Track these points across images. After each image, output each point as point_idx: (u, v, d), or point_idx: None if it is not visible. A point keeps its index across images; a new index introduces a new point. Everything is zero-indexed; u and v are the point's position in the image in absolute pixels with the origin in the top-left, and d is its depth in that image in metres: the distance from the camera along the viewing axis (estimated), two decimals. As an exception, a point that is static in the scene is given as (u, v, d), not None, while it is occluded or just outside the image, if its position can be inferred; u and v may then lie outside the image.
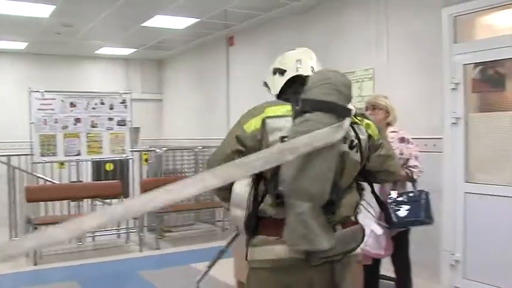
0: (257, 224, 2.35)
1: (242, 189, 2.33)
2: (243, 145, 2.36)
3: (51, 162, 7.70)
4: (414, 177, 4.31)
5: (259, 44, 8.68)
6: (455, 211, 5.40)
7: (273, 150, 2.12)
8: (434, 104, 5.58)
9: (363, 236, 2.45)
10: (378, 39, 6.28)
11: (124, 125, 8.12)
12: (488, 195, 5.13)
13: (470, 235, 5.30)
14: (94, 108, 7.88)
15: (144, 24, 8.46)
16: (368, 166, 2.49)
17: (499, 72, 5.07)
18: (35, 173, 7.75)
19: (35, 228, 6.85)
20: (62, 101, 7.64)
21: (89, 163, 8.43)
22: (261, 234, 2.36)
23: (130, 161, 8.34)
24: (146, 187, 8.19)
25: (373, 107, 4.39)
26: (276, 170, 2.21)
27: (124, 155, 8.16)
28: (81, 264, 6.84)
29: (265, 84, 2.74)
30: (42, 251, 7.20)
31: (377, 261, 4.42)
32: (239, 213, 2.34)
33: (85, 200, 8.13)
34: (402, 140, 4.31)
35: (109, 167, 8.46)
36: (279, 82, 2.57)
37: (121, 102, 8.11)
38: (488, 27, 5.30)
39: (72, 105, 7.70)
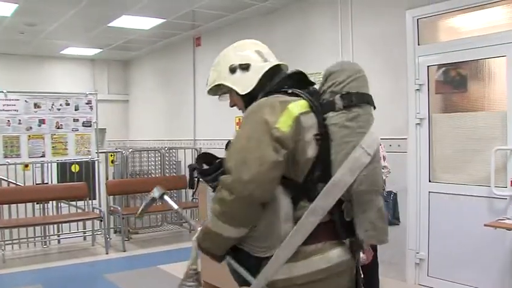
0: None
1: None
2: (286, 148, 2.00)
3: (15, 164, 7.56)
4: (384, 178, 4.37)
5: (226, 45, 8.58)
6: (420, 210, 5.50)
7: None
8: (399, 105, 5.66)
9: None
10: (344, 41, 6.34)
11: (90, 126, 8.03)
12: (451, 194, 5.23)
13: (434, 234, 5.40)
14: (58, 109, 7.78)
15: (110, 24, 8.38)
16: None
17: (461, 74, 5.17)
18: (-2, 176, 7.61)
19: (-2, 231, 6.73)
20: (26, 101, 7.52)
21: (54, 165, 8.30)
22: (303, 244, 2.07)
23: (96, 162, 8.24)
24: (112, 189, 8.14)
25: None
26: (309, 174, 2.08)
27: (90, 157, 8.07)
28: (46, 267, 6.73)
29: (213, 91, 2.53)
30: (5, 255, 7.08)
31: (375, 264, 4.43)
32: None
33: (50, 202, 8.01)
34: None
35: (75, 168, 8.36)
36: (248, 78, 2.30)
37: (87, 103, 8.02)
38: (451, 30, 5.40)
39: (36, 106, 7.59)
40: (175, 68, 10.34)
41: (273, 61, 2.40)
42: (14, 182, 7.99)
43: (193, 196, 2.43)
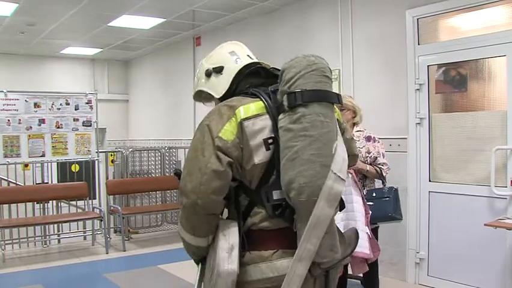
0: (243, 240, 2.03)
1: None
2: (229, 156, 1.96)
3: (15, 163, 7.56)
4: (384, 174, 4.37)
5: (226, 45, 8.65)
6: (420, 210, 5.49)
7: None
8: (399, 105, 5.66)
9: (357, 239, 2.23)
10: (344, 41, 6.34)
11: (90, 126, 8.03)
12: (451, 194, 5.23)
13: (434, 233, 5.40)
14: (58, 108, 7.78)
15: (110, 24, 8.38)
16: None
17: (461, 74, 5.17)
18: (-2, 175, 7.62)
19: (-2, 231, 6.73)
20: (26, 101, 7.52)
21: (54, 164, 8.30)
22: (253, 250, 2.04)
23: (96, 162, 8.24)
24: (112, 188, 8.14)
25: (341, 107, 4.41)
26: (263, 179, 2.01)
27: (90, 156, 8.07)
28: (46, 267, 6.73)
29: (197, 97, 2.45)
30: (5, 255, 7.08)
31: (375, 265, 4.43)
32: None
33: (50, 201, 8.01)
34: (368, 138, 4.38)
35: (75, 168, 8.36)
36: (221, 81, 2.24)
37: (87, 103, 8.02)
38: (451, 29, 5.40)
39: (36, 105, 7.59)
40: (175, 68, 10.34)
41: (246, 60, 2.29)
42: (14, 181, 7.99)
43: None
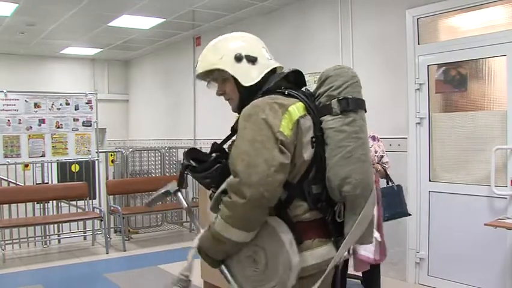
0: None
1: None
2: (289, 151, 2.03)
3: (15, 163, 7.56)
4: (388, 172, 4.39)
5: (226, 45, 8.66)
6: (420, 210, 5.49)
7: None
8: (399, 104, 5.67)
9: None
10: (344, 40, 6.34)
11: (90, 126, 8.04)
12: (451, 193, 5.24)
13: (435, 233, 5.41)
14: (58, 108, 7.78)
15: (110, 23, 8.38)
16: None
17: (461, 73, 5.17)
18: (-2, 175, 7.62)
19: (-1, 231, 6.73)
20: (26, 101, 7.52)
21: (55, 164, 8.30)
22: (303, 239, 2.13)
23: (96, 162, 8.24)
24: (112, 188, 8.14)
25: None
26: (305, 174, 2.13)
27: (90, 156, 8.07)
28: (46, 267, 6.73)
29: (203, 75, 2.41)
30: (5, 255, 7.09)
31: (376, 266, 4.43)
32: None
33: (51, 201, 8.01)
34: (373, 138, 4.38)
35: (75, 168, 8.36)
36: (252, 72, 2.26)
37: (87, 103, 8.02)
38: (451, 29, 5.40)
39: (36, 105, 7.59)
40: (175, 68, 10.34)
41: (274, 62, 2.38)
42: (14, 181, 7.99)
43: (178, 187, 2.22)
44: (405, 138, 5.60)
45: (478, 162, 5.04)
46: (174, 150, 9.46)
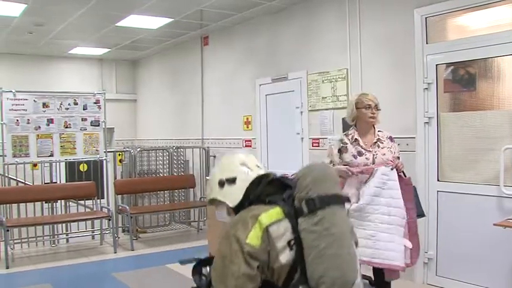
0: None
1: None
2: (258, 260, 2.17)
3: (24, 163, 7.59)
4: (404, 172, 4.32)
5: (233, 44, 8.69)
6: (428, 209, 5.46)
7: None
8: (407, 104, 5.65)
9: None
10: (352, 40, 6.33)
11: (98, 126, 8.06)
12: (460, 193, 5.21)
13: (443, 233, 5.38)
14: (67, 108, 7.80)
15: (118, 24, 8.40)
16: None
17: (470, 73, 5.14)
18: (7, 175, 7.63)
19: (7, 230, 6.75)
20: (35, 101, 7.55)
21: (63, 164, 8.33)
22: None
23: (104, 161, 8.26)
24: (120, 188, 8.16)
25: (376, 107, 4.32)
26: (289, 276, 2.21)
27: (98, 156, 8.09)
28: (55, 266, 6.76)
29: (212, 202, 2.58)
30: (14, 254, 7.12)
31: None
32: None
33: (59, 201, 8.04)
34: (391, 138, 4.34)
35: (83, 167, 8.38)
36: (235, 191, 2.44)
37: (95, 103, 8.04)
38: (460, 28, 5.38)
39: (45, 105, 7.62)
40: (183, 67, 10.36)
41: (256, 171, 2.51)
42: (23, 181, 8.02)
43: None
44: (414, 137, 5.58)
45: (486, 161, 5.01)
46: (182, 149, 9.47)
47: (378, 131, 4.31)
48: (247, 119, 8.30)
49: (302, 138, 7.10)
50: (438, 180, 5.43)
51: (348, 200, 2.40)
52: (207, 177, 5.73)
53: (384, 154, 4.20)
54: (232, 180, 2.46)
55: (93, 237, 8.31)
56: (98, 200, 8.11)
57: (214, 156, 9.15)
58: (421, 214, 4.41)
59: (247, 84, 8.29)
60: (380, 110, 4.33)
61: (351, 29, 6.34)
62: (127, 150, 9.05)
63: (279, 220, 2.21)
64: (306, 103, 7.00)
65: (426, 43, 5.49)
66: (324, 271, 2.12)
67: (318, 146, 6.76)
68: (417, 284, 5.52)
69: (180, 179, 9.09)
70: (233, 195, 2.44)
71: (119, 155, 9.22)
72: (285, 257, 2.18)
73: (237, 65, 8.53)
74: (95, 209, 8.08)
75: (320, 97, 6.77)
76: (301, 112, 7.09)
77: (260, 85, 7.97)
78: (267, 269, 2.20)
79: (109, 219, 7.79)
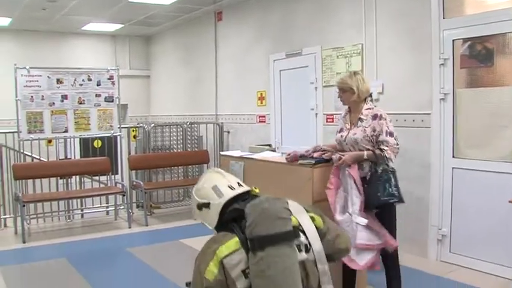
0: None
1: None
2: None
3: (39, 139, 7.63)
4: (386, 155, 4.12)
5: (247, 19, 8.62)
6: (443, 186, 5.44)
7: None
8: (423, 80, 5.58)
9: None
10: (367, 14, 6.24)
11: (112, 101, 8.06)
12: (475, 170, 5.16)
13: (457, 210, 5.35)
14: (81, 84, 7.81)
15: (131, -1, 8.37)
16: (326, 255, 2.55)
17: (487, 48, 5.06)
18: (22, 151, 7.69)
19: (23, 206, 6.82)
20: (49, 77, 7.56)
21: (77, 140, 8.37)
22: None
23: (118, 137, 8.29)
24: (135, 163, 8.20)
25: (342, 90, 4.25)
26: None
27: (112, 132, 8.10)
28: (70, 241, 6.84)
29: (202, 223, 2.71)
30: (31, 229, 7.20)
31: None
32: None
33: (74, 177, 8.10)
34: (375, 116, 4.12)
35: (97, 144, 8.41)
36: (211, 215, 2.56)
37: (109, 79, 8.04)
38: (477, 3, 5.28)
39: (59, 81, 7.63)
40: (196, 43, 10.30)
41: (227, 194, 2.55)
42: (38, 157, 8.07)
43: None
44: (429, 114, 5.52)
45: (503, 138, 4.95)
46: (196, 125, 9.47)
47: (367, 108, 4.18)
48: (261, 94, 8.27)
49: (316, 114, 7.06)
50: (453, 157, 5.38)
51: (296, 234, 2.40)
52: (221, 153, 6.10)
53: (355, 134, 4.11)
54: (206, 205, 2.57)
55: (107, 213, 8.38)
56: (113, 176, 8.16)
57: (228, 132, 9.15)
58: (393, 200, 4.25)
59: (261, 60, 8.23)
60: (347, 91, 4.18)
61: (366, 4, 6.24)
62: (140, 126, 9.07)
63: (235, 250, 2.32)
64: (321, 78, 6.95)
65: (443, 18, 5.39)
66: None
67: (332, 122, 6.72)
68: (430, 261, 5.51)
69: (194, 155, 9.10)
70: (210, 219, 2.57)
71: (133, 131, 9.24)
72: (242, 283, 2.29)
73: (251, 41, 8.47)
74: (109, 185, 8.13)
75: (334, 72, 6.71)
76: (316, 88, 7.04)
77: (274, 60, 7.91)
78: None
79: (123, 195, 7.84)
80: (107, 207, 8.35)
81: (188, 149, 9.29)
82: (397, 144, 4.07)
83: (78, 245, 6.66)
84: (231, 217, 2.48)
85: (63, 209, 7.99)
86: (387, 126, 4.07)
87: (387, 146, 4.02)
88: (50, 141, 8.07)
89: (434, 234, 5.53)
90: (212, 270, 2.32)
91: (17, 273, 5.59)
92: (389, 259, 4.20)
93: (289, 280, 2.25)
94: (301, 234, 2.44)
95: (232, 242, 2.36)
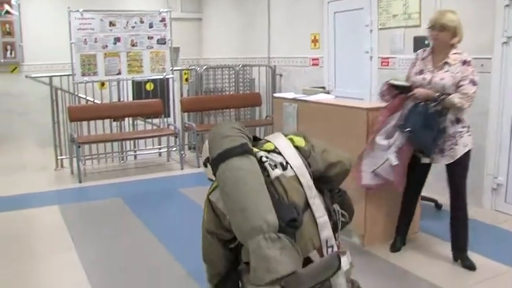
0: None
1: None
2: (213, 233, 2.53)
3: (92, 81, 7.72)
4: (459, 103, 3.92)
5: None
6: (501, 134, 5.25)
7: None
8: (484, 22, 5.30)
9: (339, 261, 2.33)
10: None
11: (164, 44, 8.04)
12: (536, 117, 4.96)
13: (516, 159, 5.18)
14: (133, 27, 7.80)
15: None
16: (317, 172, 2.53)
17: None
18: (77, 94, 7.82)
19: (79, 147, 6.98)
20: (101, 20, 7.57)
21: (130, 84, 8.45)
22: None
23: (171, 80, 8.31)
24: (187, 106, 8.24)
25: (442, 28, 3.90)
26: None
27: (165, 74, 8.11)
28: (124, 181, 7.01)
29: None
30: (86, 170, 7.39)
31: (409, 186, 4.29)
32: None
33: (127, 119, 8.23)
34: (463, 62, 3.94)
35: (150, 86, 8.47)
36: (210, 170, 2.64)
37: (161, 21, 8.00)
38: None
39: (111, 24, 7.64)
40: (248, -16, 10.11)
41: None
42: (92, 99, 8.21)
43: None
44: (490, 58, 5.27)
45: None
46: (248, 68, 9.39)
47: (455, 53, 3.95)
48: (315, 37, 8.09)
49: (371, 57, 6.87)
50: (513, 103, 5.17)
51: (244, 149, 2.43)
52: (274, 95, 6.13)
53: (442, 79, 3.87)
54: (207, 161, 2.63)
55: (160, 155, 8.52)
56: (165, 119, 8.24)
57: (281, 75, 9.04)
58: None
59: (315, 2, 8.02)
60: (448, 31, 3.90)
61: None
62: (193, 68, 9.06)
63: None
64: (376, 21, 6.72)
65: (509, -45, 5.08)
66: (236, 224, 2.27)
67: (388, 65, 6.53)
68: (484, 210, 5.39)
69: (246, 97, 9.07)
70: (211, 175, 2.62)
71: (185, 73, 9.25)
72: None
73: (304, -19, 8.25)
74: (162, 127, 8.23)
75: (390, 15, 6.47)
76: (371, 30, 6.83)
77: (328, 2, 7.69)
78: (223, 230, 2.45)
79: (176, 137, 7.94)
80: (160, 149, 8.48)
81: (241, 92, 9.25)
82: (474, 93, 3.85)
83: (132, 186, 6.82)
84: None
85: (117, 150, 8.16)
86: (473, 74, 3.87)
87: (465, 94, 3.82)
88: (103, 84, 8.17)
89: (490, 183, 5.38)
90: (206, 211, 2.55)
91: (74, 211, 5.79)
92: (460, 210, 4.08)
93: (245, 188, 2.27)
94: (276, 155, 2.49)
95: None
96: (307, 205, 2.39)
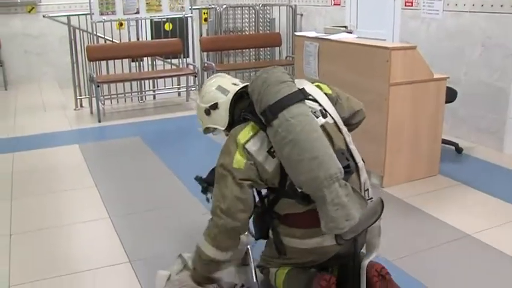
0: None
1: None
2: (248, 179, 2.37)
3: (111, 20, 7.61)
4: None
5: None
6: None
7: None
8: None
9: (383, 208, 2.33)
10: None
11: (183, -19, 7.88)
12: None
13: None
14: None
15: None
16: (343, 119, 2.56)
17: None
18: (95, 33, 7.74)
19: (98, 86, 6.98)
20: (120, -44, 7.42)
21: (148, 24, 8.34)
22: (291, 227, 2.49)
23: (190, 19, 8.19)
24: (206, 45, 8.16)
25: None
26: (282, 179, 2.35)
27: (184, 13, 7.98)
28: (143, 121, 7.03)
29: (207, 130, 2.81)
30: (105, 109, 7.41)
31: None
32: None
33: (146, 59, 8.18)
34: None
35: (168, 26, 8.35)
36: (221, 114, 2.63)
37: (180, -43, 7.82)
38: None
39: (130, -40, 7.48)
40: None
41: (232, 90, 2.63)
42: (111, 39, 8.14)
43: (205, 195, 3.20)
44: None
45: None
46: (268, 7, 9.22)
47: None
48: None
49: (394, -4, 6.68)
50: (540, 45, 5.01)
51: (305, 94, 2.39)
52: (295, 33, 6.04)
53: None
54: (214, 107, 2.64)
55: (179, 94, 8.49)
56: (184, 58, 8.17)
57: (301, 15, 8.86)
58: None
59: None
60: None
61: None
62: (212, 8, 8.92)
63: (254, 135, 2.37)
64: (401, -42, 6.50)
65: None
66: (296, 176, 2.23)
67: (412, 6, 6.35)
68: (505, 155, 5.26)
69: (266, 37, 8.94)
70: (220, 119, 2.64)
71: (205, 13, 9.11)
72: (271, 164, 2.33)
73: None
74: (181, 67, 8.17)
75: (416, -49, 6.25)
76: (395, -32, 6.62)
77: None
78: (260, 180, 2.38)
79: (195, 76, 7.90)
80: (179, 88, 8.45)
81: (260, 32, 9.12)
82: None
83: (151, 125, 6.84)
84: (240, 113, 2.53)
85: (135, 90, 8.15)
86: None
87: None
88: (121, 24, 8.07)
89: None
90: (239, 159, 2.36)
91: (94, 150, 5.85)
92: None
93: (314, 135, 2.24)
94: (312, 102, 2.46)
95: (248, 128, 2.41)
96: (348, 151, 2.43)
